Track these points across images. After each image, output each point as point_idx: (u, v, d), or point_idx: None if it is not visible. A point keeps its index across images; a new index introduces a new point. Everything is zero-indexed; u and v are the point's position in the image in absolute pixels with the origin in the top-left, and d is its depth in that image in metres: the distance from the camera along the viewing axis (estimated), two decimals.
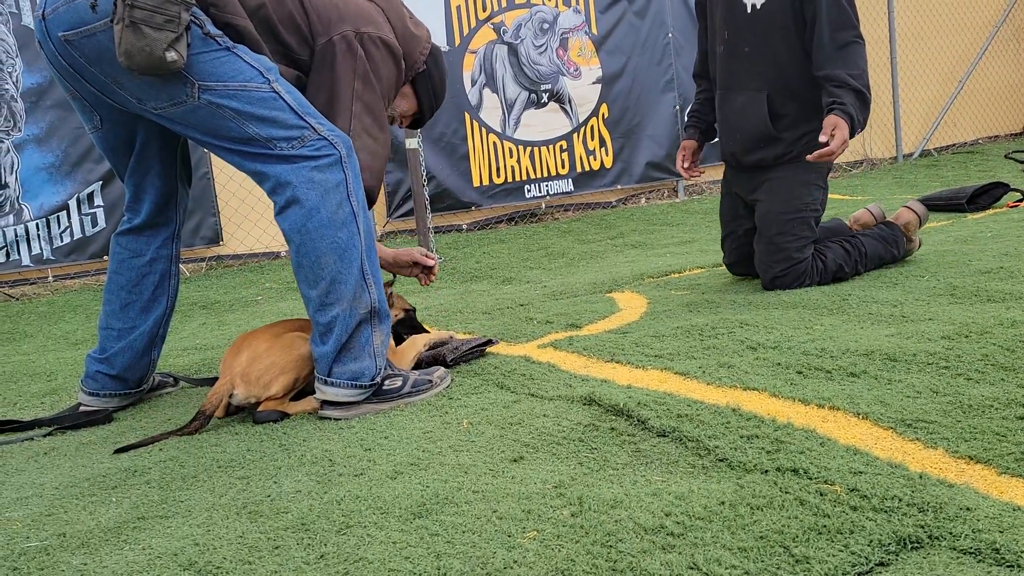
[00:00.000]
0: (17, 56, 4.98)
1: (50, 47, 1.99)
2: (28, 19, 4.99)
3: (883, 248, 3.05)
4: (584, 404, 1.88)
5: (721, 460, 1.50)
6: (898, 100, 8.11)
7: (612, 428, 1.72)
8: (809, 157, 2.72)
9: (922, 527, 1.21)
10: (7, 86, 4.96)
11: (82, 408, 2.34)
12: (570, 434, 1.72)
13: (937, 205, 4.72)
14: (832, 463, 1.42)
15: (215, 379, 2.58)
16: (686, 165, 3.23)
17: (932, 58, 8.27)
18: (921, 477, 1.35)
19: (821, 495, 1.32)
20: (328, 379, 2.04)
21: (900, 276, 2.90)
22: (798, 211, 2.90)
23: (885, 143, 8.19)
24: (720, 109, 3.07)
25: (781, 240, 2.88)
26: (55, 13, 1.94)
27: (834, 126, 2.69)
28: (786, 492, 1.34)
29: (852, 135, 2.68)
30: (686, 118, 3.41)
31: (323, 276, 2.01)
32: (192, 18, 1.92)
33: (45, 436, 2.21)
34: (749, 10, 2.89)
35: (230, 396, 2.09)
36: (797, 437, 1.54)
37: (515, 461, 1.62)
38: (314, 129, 2.03)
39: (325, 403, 2.06)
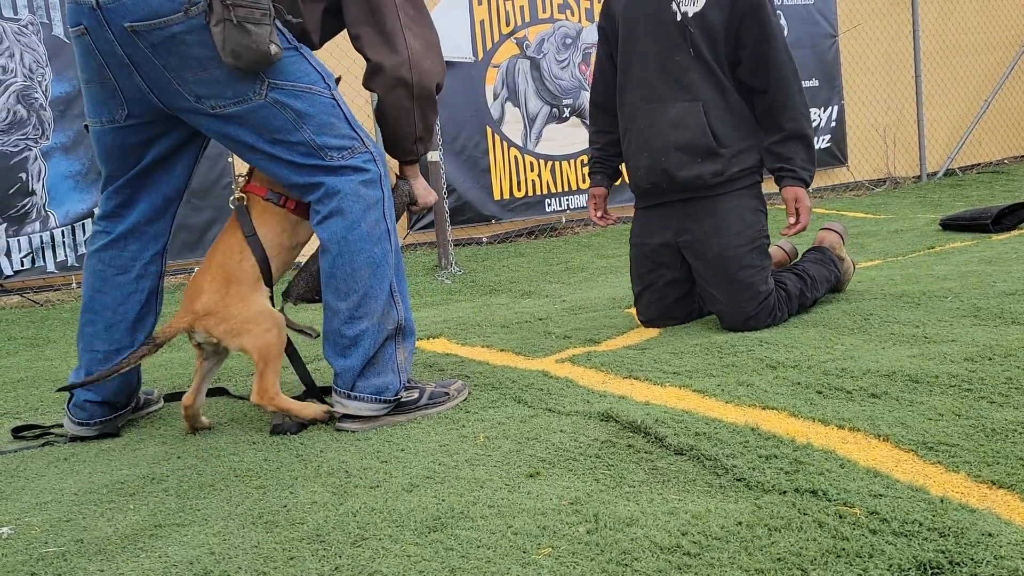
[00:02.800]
0: (47, 66, 5.06)
1: (106, 36, 1.91)
2: (58, 30, 5.07)
3: (826, 270, 2.95)
4: (601, 420, 1.87)
5: (739, 480, 1.49)
6: (922, 118, 8.06)
7: (629, 445, 1.71)
8: (785, 232, 2.69)
9: (943, 552, 1.19)
10: (36, 95, 5.04)
11: (71, 436, 2.23)
12: (587, 450, 1.71)
13: (961, 225, 4.67)
14: (852, 485, 1.41)
15: (222, 390, 2.59)
16: (600, 214, 3.10)
17: (957, 76, 8.22)
18: (942, 501, 1.33)
19: (840, 518, 1.31)
20: (351, 393, 2.04)
21: (922, 296, 2.87)
22: (753, 240, 2.70)
23: (909, 162, 8.13)
24: (645, 127, 2.77)
25: (745, 276, 2.66)
26: (117, 3, 1.86)
27: (795, 199, 2.66)
28: (804, 514, 1.33)
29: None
30: (589, 165, 3.16)
31: (356, 289, 2.01)
32: (273, 6, 1.90)
33: (66, 441, 2.22)
34: (679, 18, 2.69)
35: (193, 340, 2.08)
36: (816, 458, 1.52)
37: (531, 476, 1.61)
38: (363, 142, 2.04)
39: (345, 416, 2.06)
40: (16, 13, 4.97)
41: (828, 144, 7.78)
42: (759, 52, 2.65)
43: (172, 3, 1.85)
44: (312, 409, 2.11)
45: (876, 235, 5.09)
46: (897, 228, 5.30)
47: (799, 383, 1.98)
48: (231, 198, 2.11)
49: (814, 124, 7.66)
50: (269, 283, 2.10)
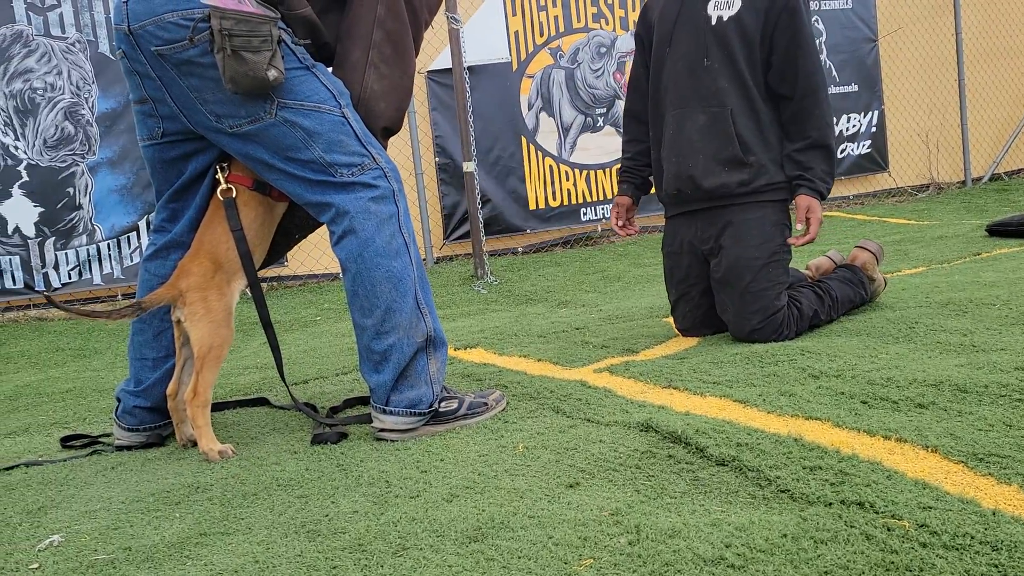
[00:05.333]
0: (93, 83, 5.19)
1: (140, 58, 2.00)
2: (104, 47, 5.20)
3: (852, 291, 2.90)
4: (641, 430, 1.86)
5: (783, 491, 1.47)
6: (966, 122, 7.92)
7: (670, 455, 1.69)
8: (791, 241, 2.67)
9: (996, 567, 1.16)
10: (83, 111, 5.16)
11: (117, 444, 2.27)
12: (627, 461, 1.70)
13: (1009, 230, 4.57)
14: (900, 497, 1.38)
15: (263, 400, 2.62)
16: (621, 223, 3.05)
17: (1002, 79, 8.06)
18: (994, 514, 1.30)
19: (888, 530, 1.28)
20: (386, 408, 2.05)
21: (970, 304, 2.81)
22: (772, 254, 2.66)
23: (953, 167, 7.99)
24: (673, 133, 2.75)
25: (757, 288, 2.63)
26: (143, 29, 1.94)
27: (807, 209, 2.63)
28: (851, 526, 1.30)
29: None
30: (618, 174, 3.13)
31: (378, 305, 2.03)
32: (281, 30, 1.96)
33: (114, 451, 2.26)
34: (715, 22, 2.68)
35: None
36: (862, 469, 1.50)
37: (571, 487, 1.61)
38: (373, 159, 2.06)
39: (383, 429, 2.08)
40: (64, 32, 5.11)
41: (868, 150, 7.67)
42: (789, 58, 2.63)
43: (181, 31, 1.92)
44: (205, 442, 2.07)
45: (919, 241, 5.01)
46: (941, 234, 5.20)
47: (843, 393, 1.95)
48: (219, 189, 2.13)
49: (854, 130, 7.58)
50: (251, 275, 2.14)
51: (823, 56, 7.42)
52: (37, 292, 5.10)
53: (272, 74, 1.91)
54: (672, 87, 2.77)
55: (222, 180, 2.13)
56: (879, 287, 3.05)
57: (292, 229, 2.33)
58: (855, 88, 7.57)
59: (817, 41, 7.35)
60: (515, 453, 1.84)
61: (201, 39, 1.91)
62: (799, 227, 2.68)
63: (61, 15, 5.10)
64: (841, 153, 7.56)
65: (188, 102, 2.02)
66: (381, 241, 2.02)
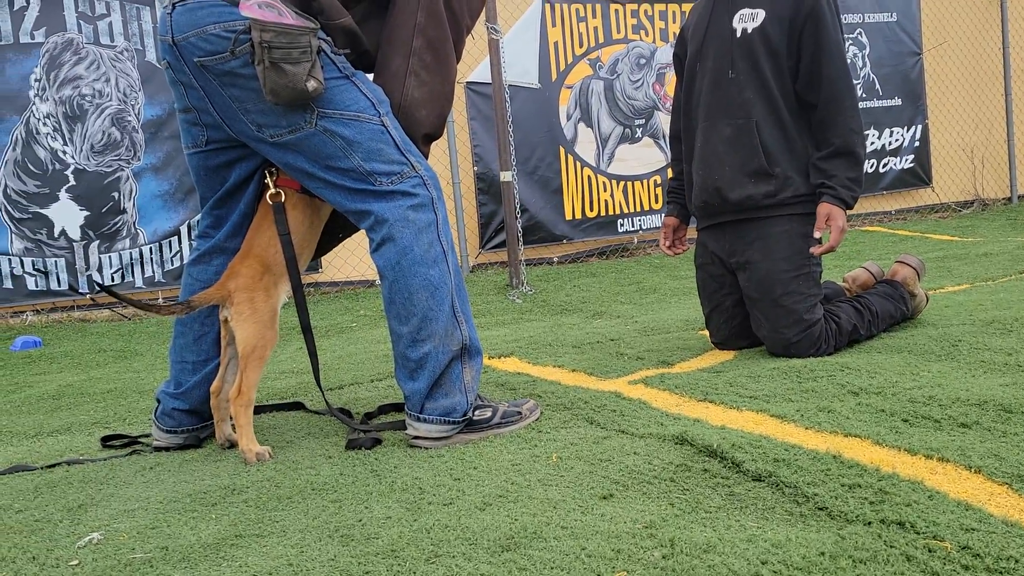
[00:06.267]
0: (140, 90, 5.30)
1: (184, 69, 2.04)
2: (151, 56, 5.31)
3: (892, 306, 2.85)
4: (676, 443, 1.84)
5: (821, 509, 1.45)
6: (1013, 137, 7.77)
7: (705, 469, 1.68)
8: (814, 251, 2.62)
9: None
10: (129, 118, 5.27)
11: (155, 445, 2.31)
12: (661, 473, 1.69)
13: None
14: (941, 518, 1.35)
15: (299, 404, 2.65)
16: (668, 244, 3.03)
17: None
18: None
19: (930, 551, 1.25)
20: (420, 415, 2.06)
21: (1015, 323, 2.75)
22: (801, 267, 2.63)
23: (999, 183, 7.84)
24: (701, 146, 2.76)
25: (789, 301, 2.60)
26: (187, 40, 1.99)
27: (827, 216, 2.58)
28: (891, 546, 1.28)
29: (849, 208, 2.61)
30: (665, 194, 3.12)
31: (415, 312, 2.04)
32: (321, 41, 1.98)
33: (152, 451, 2.30)
34: (739, 34, 2.67)
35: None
36: (903, 488, 1.47)
37: (605, 498, 1.60)
38: (412, 167, 2.08)
39: (417, 436, 2.08)
40: (112, 40, 5.22)
41: (911, 164, 7.56)
42: (814, 65, 2.61)
43: (223, 43, 1.95)
44: (245, 441, 2.09)
45: (964, 258, 4.91)
46: (986, 251, 5.10)
47: (883, 411, 1.92)
48: (267, 194, 2.16)
49: (896, 144, 7.47)
50: (295, 279, 2.17)
51: (866, 69, 7.33)
52: (98, 290, 5.21)
53: (311, 85, 1.93)
54: (701, 101, 2.77)
55: (271, 185, 2.16)
56: (920, 303, 2.99)
57: (336, 229, 2.35)
58: (898, 102, 7.47)
59: (860, 54, 7.29)
60: (548, 463, 1.83)
61: (242, 51, 1.94)
62: (817, 235, 2.64)
63: (110, 24, 5.22)
64: (883, 167, 7.46)
65: (230, 112, 2.05)
66: (419, 249, 2.03)
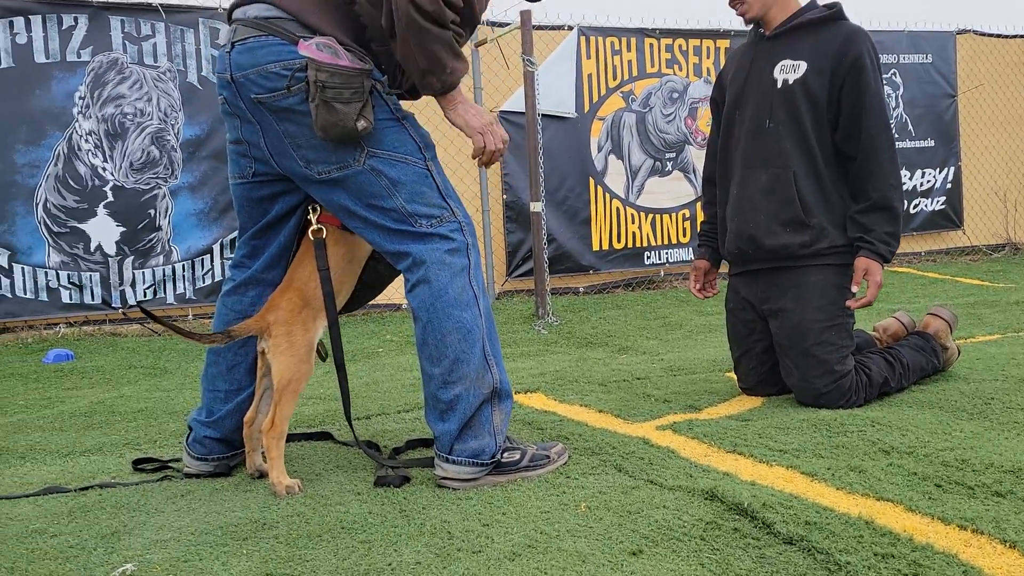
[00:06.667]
0: (180, 110, 5.40)
1: (240, 104, 2.09)
2: (193, 77, 5.41)
3: (924, 359, 2.83)
4: (706, 498, 1.84)
5: None
6: None
7: (735, 529, 1.67)
8: (850, 304, 2.62)
9: None
10: (169, 137, 5.37)
11: (186, 471, 2.34)
12: (691, 530, 1.68)
13: None
14: None
15: (326, 434, 2.67)
16: (698, 287, 3.04)
17: None
18: None
19: None
20: (449, 456, 2.07)
21: None
22: (835, 318, 2.63)
23: None
24: (737, 193, 2.77)
25: (820, 351, 2.60)
26: (246, 78, 2.04)
27: (864, 271, 2.58)
28: None
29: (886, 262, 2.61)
30: (698, 236, 3.14)
31: (447, 354, 2.06)
32: (374, 81, 2.02)
33: (183, 477, 2.33)
34: (780, 85, 2.68)
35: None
36: (937, 561, 1.46)
37: (634, 554, 1.60)
38: (452, 212, 2.11)
39: (445, 477, 2.10)
40: (156, 61, 5.33)
41: (943, 206, 7.52)
42: (854, 118, 2.61)
43: (281, 80, 2.01)
44: (276, 473, 2.11)
45: (995, 305, 4.86)
46: (1018, 299, 5.05)
47: (915, 473, 1.91)
48: (310, 230, 2.20)
49: (928, 185, 7.43)
50: (332, 314, 2.20)
51: (899, 110, 7.32)
52: (131, 307, 5.29)
53: (361, 124, 1.98)
54: (739, 148, 2.79)
55: (313, 220, 2.20)
56: (952, 356, 2.97)
57: (383, 270, 2.36)
58: (931, 143, 7.44)
59: (894, 95, 7.27)
60: (577, 512, 1.84)
61: (298, 88, 1.99)
62: (854, 288, 2.63)
63: (155, 45, 5.33)
64: (914, 208, 7.42)
65: (281, 147, 2.10)
66: (453, 292, 2.06)
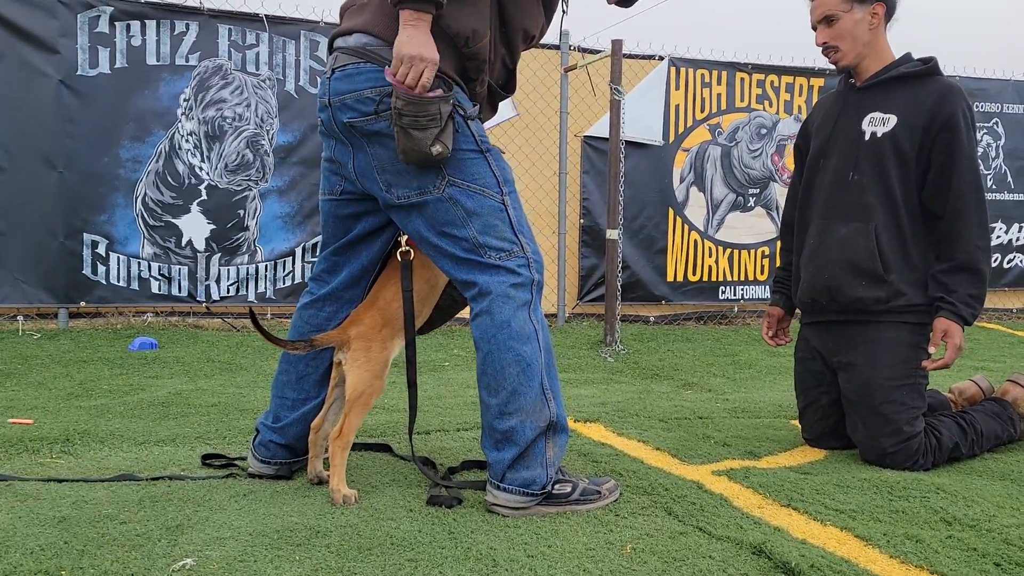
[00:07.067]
0: (276, 117, 5.61)
1: (334, 127, 2.19)
2: (290, 86, 5.62)
3: (999, 427, 2.72)
4: (753, 553, 1.83)
5: None
6: None
7: None
8: (926, 364, 2.55)
9: None
10: (263, 142, 5.59)
11: (250, 471, 2.43)
12: None
13: None
14: None
15: (386, 446, 2.73)
16: (771, 334, 3.00)
17: None
18: None
19: None
20: (500, 484, 2.11)
21: None
22: (907, 377, 2.57)
23: None
24: (815, 243, 2.73)
25: (889, 410, 2.55)
26: (341, 102, 2.13)
27: (944, 332, 2.50)
28: None
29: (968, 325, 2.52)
30: (772, 283, 3.10)
31: (504, 386, 2.10)
32: (454, 106, 2.08)
33: (247, 477, 2.42)
34: (868, 137, 2.63)
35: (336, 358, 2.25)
36: None
37: None
38: (522, 247, 2.15)
39: (495, 504, 2.13)
40: (258, 69, 5.56)
41: None
42: (943, 177, 2.55)
43: (371, 106, 2.09)
44: (336, 481, 2.18)
45: None
46: None
47: (975, 549, 1.85)
48: (398, 251, 2.29)
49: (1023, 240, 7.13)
50: (410, 334, 2.27)
51: (999, 160, 7.07)
52: (219, 302, 5.52)
53: (436, 149, 2.03)
54: (820, 198, 2.75)
55: (403, 243, 2.28)
56: None
57: (457, 296, 2.42)
58: None
59: (995, 144, 7.03)
60: (622, 553, 1.85)
61: (386, 113, 2.08)
62: (932, 350, 2.57)
63: (258, 54, 5.56)
64: (1008, 263, 7.15)
65: (367, 169, 2.18)
66: (516, 325, 2.10)
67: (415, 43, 1.97)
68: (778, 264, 3.09)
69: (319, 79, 2.38)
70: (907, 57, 2.68)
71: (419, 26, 1.98)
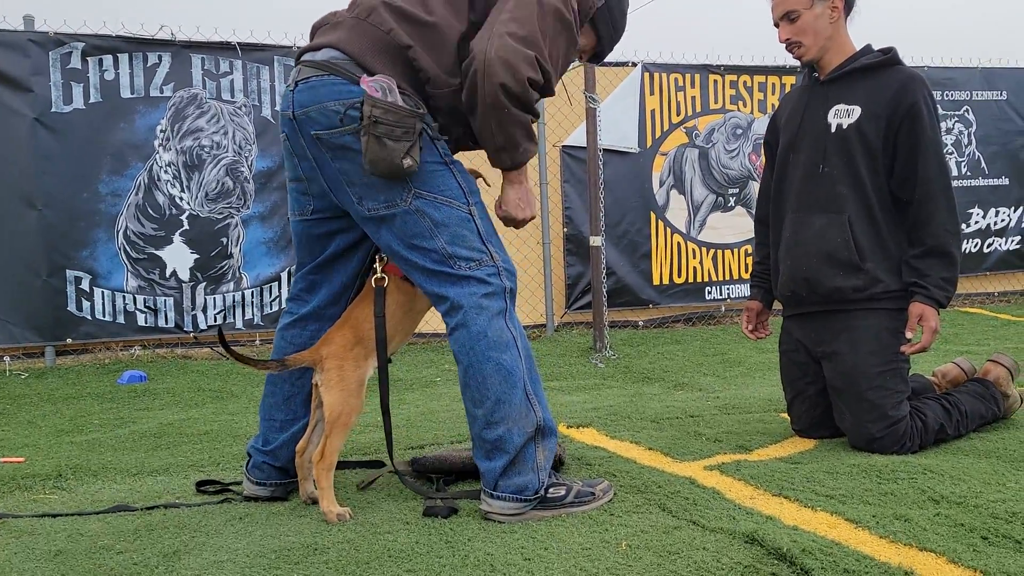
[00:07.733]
0: (254, 143, 5.63)
1: (300, 141, 2.20)
2: (267, 111, 5.65)
3: (983, 406, 2.77)
4: (746, 542, 1.85)
5: None
6: None
7: (773, 574, 1.68)
8: (905, 349, 2.59)
9: None
10: (243, 168, 5.61)
11: (245, 494, 2.44)
12: (728, 574, 1.70)
13: None
14: None
15: (380, 463, 2.74)
16: (751, 327, 3.04)
17: None
18: None
19: None
20: (494, 492, 2.13)
21: None
22: (889, 363, 2.61)
23: None
24: (790, 236, 2.77)
25: (875, 396, 2.59)
26: (306, 115, 2.15)
27: (919, 316, 2.55)
28: None
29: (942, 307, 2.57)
30: (751, 277, 3.15)
31: (488, 396, 2.12)
32: (424, 125, 2.12)
33: (242, 500, 2.43)
34: (834, 129, 2.67)
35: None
36: None
37: None
38: (491, 256, 2.18)
39: (490, 511, 2.15)
40: (233, 96, 5.59)
41: (1018, 246, 7.30)
42: (909, 164, 2.60)
43: (334, 119, 2.11)
44: (326, 503, 2.19)
45: None
46: None
47: (963, 524, 1.88)
48: (373, 277, 2.30)
49: (1002, 224, 7.23)
50: (381, 359, 2.27)
51: (972, 147, 7.16)
52: (203, 331, 5.51)
53: (407, 162, 2.06)
54: (792, 191, 2.79)
55: (378, 269, 2.30)
56: (1014, 404, 2.90)
57: None
58: (1006, 181, 7.25)
59: (966, 131, 7.12)
60: (618, 550, 1.87)
61: (352, 124, 2.09)
62: (909, 335, 2.61)
63: (232, 81, 5.59)
64: (987, 248, 7.23)
65: (337, 182, 2.20)
66: (493, 335, 2.12)
67: (526, 203, 2.26)
68: (754, 259, 3.13)
69: (283, 91, 2.40)
70: (867, 49, 2.73)
71: (525, 180, 2.26)
